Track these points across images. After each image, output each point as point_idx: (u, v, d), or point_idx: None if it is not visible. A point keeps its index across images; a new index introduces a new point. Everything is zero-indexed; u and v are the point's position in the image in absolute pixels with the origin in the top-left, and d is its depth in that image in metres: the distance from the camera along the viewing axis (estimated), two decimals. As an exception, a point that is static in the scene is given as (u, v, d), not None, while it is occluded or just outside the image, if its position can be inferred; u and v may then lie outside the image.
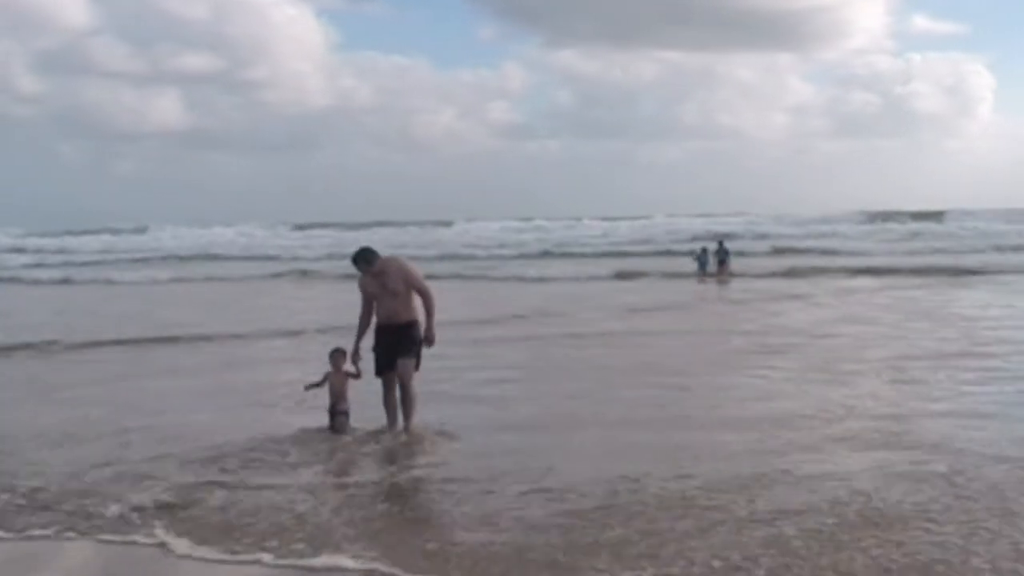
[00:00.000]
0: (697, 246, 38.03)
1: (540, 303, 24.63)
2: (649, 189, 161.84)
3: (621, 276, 34.90)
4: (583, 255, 48.84)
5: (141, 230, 78.33)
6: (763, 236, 54.74)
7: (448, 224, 75.86)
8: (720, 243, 35.97)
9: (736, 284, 30.53)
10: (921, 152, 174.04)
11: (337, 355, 10.20)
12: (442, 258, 46.62)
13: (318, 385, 10.29)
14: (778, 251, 45.29)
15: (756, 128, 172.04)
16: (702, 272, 34.46)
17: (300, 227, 79.09)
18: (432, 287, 10.10)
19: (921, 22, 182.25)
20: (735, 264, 35.39)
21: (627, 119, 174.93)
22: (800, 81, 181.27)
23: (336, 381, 10.17)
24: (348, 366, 10.12)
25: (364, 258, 9.97)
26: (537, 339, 17.58)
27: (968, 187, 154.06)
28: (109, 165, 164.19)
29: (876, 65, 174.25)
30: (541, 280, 34.18)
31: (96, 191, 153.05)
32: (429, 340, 9.99)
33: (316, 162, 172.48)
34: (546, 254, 50.41)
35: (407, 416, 10.05)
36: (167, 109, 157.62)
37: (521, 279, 35.00)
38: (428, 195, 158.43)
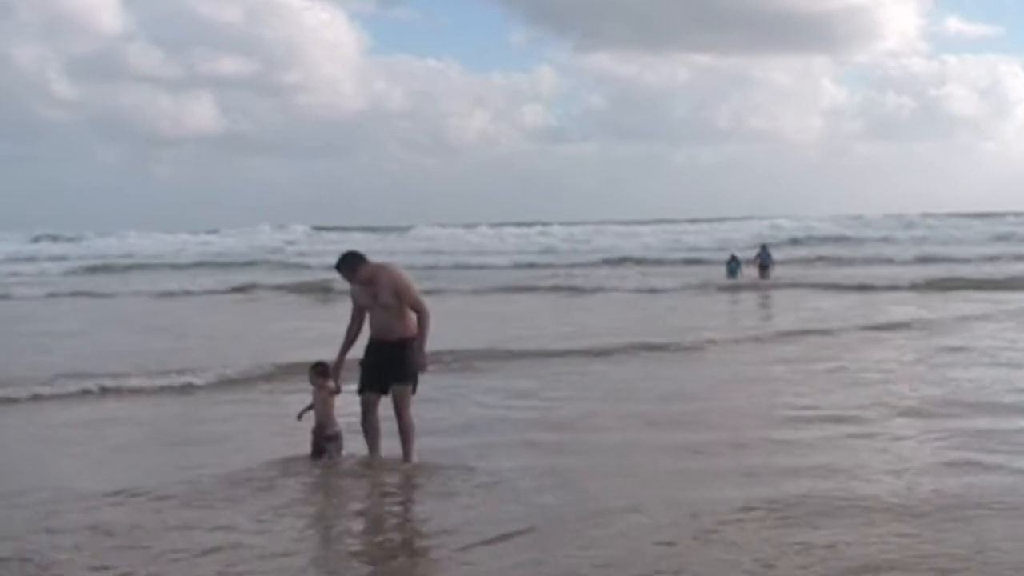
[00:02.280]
0: (726, 253, 37.64)
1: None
2: (685, 192, 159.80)
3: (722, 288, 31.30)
4: (662, 261, 46.71)
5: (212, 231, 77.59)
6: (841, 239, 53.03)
7: (485, 226, 74.58)
8: (763, 247, 35.29)
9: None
10: (957, 154, 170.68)
11: (318, 371, 9.03)
12: (518, 266, 45.09)
13: (308, 409, 9.16)
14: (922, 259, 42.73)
15: (790, 131, 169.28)
16: (732, 277, 33.66)
17: (336, 229, 78.35)
18: (427, 303, 8.88)
19: (955, 24, 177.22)
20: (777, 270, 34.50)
21: (661, 122, 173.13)
22: (833, 84, 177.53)
23: (318, 400, 9.03)
24: (329, 384, 8.99)
25: (347, 265, 8.80)
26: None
27: (1007, 189, 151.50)
28: (146, 169, 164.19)
29: (910, 67, 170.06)
30: (651, 292, 30.38)
31: (134, 195, 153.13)
32: (420, 366, 8.81)
33: (350, 165, 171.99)
34: (622, 260, 48.07)
35: (405, 448, 8.89)
36: (202, 113, 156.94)
37: (618, 290, 30.78)
38: (462, 198, 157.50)
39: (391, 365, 8.70)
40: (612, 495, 7.73)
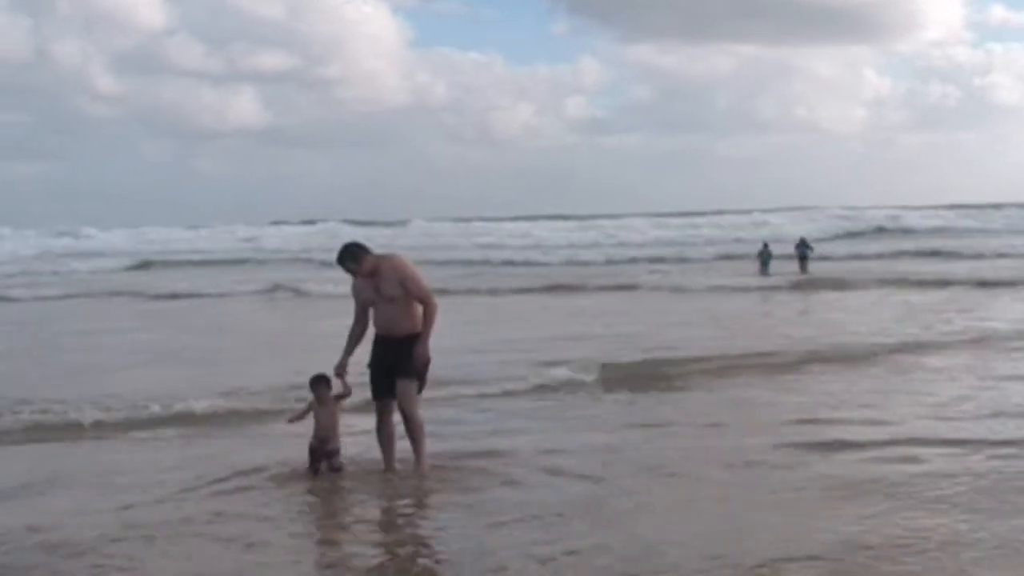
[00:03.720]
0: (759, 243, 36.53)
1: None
2: (728, 183, 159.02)
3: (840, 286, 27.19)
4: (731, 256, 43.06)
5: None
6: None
7: (530, 220, 73.86)
8: (802, 239, 34.87)
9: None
10: (1002, 144, 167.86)
11: (321, 384, 8.10)
12: (572, 263, 41.43)
13: (300, 417, 8.24)
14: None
15: (834, 122, 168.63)
16: (764, 271, 32.77)
17: (377, 224, 78.00)
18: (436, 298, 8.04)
19: (1000, 12, 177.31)
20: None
21: (705, 113, 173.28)
22: (877, 74, 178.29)
23: (323, 415, 8.08)
24: (336, 387, 8.07)
25: (350, 256, 8.01)
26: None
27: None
28: (190, 163, 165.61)
29: (954, 57, 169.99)
30: (759, 290, 27.32)
31: (179, 189, 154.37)
32: (418, 356, 7.88)
33: (394, 159, 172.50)
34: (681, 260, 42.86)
35: (416, 451, 8.07)
36: (244, 107, 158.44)
37: (722, 289, 27.33)
38: (509, 191, 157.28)
39: (398, 359, 7.89)
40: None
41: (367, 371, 8.11)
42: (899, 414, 9.80)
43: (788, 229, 52.65)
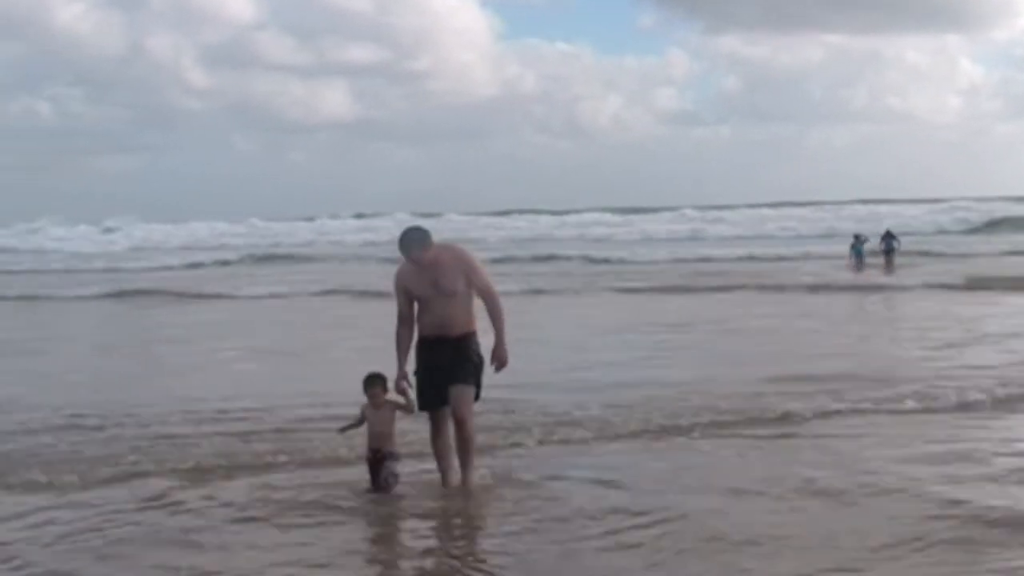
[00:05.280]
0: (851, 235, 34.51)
1: None
2: (820, 174, 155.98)
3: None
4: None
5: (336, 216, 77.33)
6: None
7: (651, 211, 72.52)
8: (887, 232, 33.38)
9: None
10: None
11: (375, 383, 7.28)
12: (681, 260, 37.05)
13: (354, 426, 7.46)
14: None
15: (927, 111, 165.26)
16: (858, 262, 31.43)
17: (472, 215, 77.63)
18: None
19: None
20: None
21: (794, 104, 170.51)
22: (971, 62, 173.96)
23: (377, 419, 7.28)
24: (393, 395, 7.25)
25: (415, 241, 7.11)
26: None
27: None
28: (281, 156, 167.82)
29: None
30: (902, 290, 23.54)
31: (270, 181, 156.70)
32: (499, 360, 7.15)
33: (485, 151, 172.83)
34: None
35: (464, 465, 7.30)
36: (334, 100, 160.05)
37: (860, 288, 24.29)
38: (598, 182, 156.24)
39: (454, 363, 7.11)
40: None
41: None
42: None
43: (893, 221, 49.94)
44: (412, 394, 7.18)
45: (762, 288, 24.05)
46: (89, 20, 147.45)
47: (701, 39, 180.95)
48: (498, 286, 7.30)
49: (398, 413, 7.26)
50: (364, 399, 7.30)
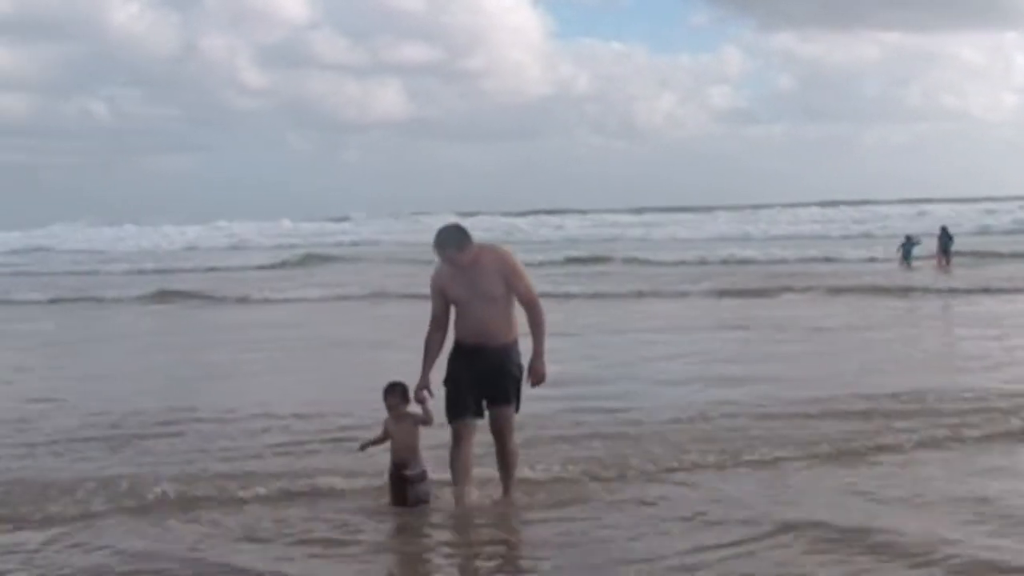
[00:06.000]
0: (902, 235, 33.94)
1: None
2: (876, 172, 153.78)
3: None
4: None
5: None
6: None
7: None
8: (943, 229, 32.32)
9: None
10: None
11: (395, 393, 6.95)
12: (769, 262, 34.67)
13: (377, 442, 7.14)
14: None
15: (982, 109, 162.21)
16: (906, 263, 30.94)
17: (527, 214, 77.28)
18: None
19: None
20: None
21: (849, 102, 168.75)
22: None
23: (399, 432, 6.97)
24: (414, 406, 6.92)
25: (452, 241, 6.71)
26: None
27: None
28: (336, 154, 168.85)
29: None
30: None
31: (324, 180, 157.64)
32: (536, 374, 6.78)
33: (539, 150, 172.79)
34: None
35: (508, 481, 7.01)
36: (388, 99, 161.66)
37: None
38: (653, 181, 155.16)
39: (491, 378, 6.75)
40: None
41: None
42: None
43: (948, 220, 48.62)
44: (431, 404, 6.83)
45: (828, 290, 23.20)
46: (144, 21, 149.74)
47: (755, 36, 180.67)
48: (538, 288, 6.93)
49: (421, 428, 6.91)
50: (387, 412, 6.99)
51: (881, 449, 8.19)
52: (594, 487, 7.32)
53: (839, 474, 7.56)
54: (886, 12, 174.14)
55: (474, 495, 6.88)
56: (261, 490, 7.33)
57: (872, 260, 33.81)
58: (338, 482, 7.45)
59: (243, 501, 7.17)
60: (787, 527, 6.25)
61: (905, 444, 8.29)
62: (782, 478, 7.50)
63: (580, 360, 12.78)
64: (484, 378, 6.73)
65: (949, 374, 11.64)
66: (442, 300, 6.84)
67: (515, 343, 6.81)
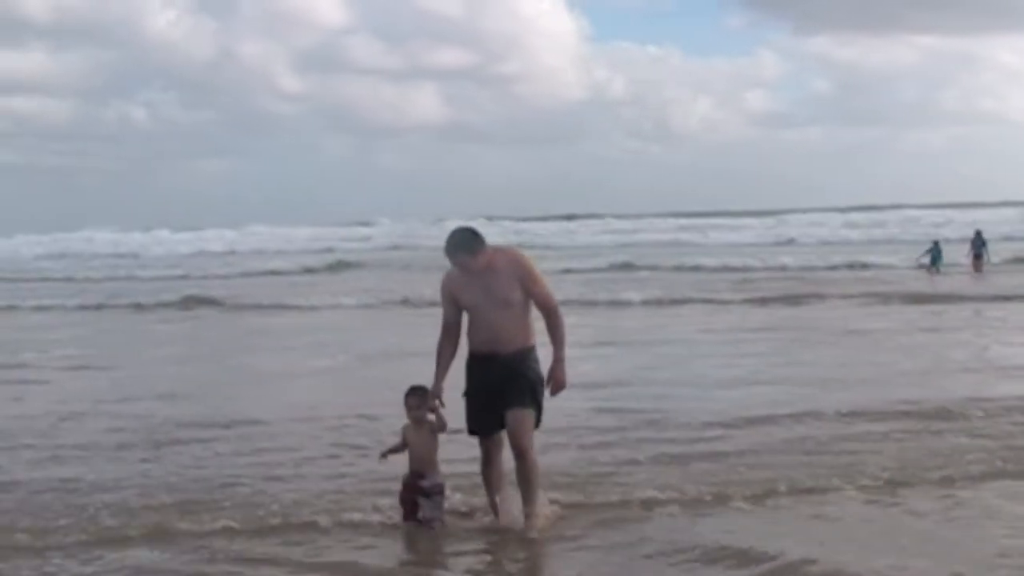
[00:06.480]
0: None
1: None
2: (913, 176, 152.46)
3: None
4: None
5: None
6: None
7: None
8: (977, 233, 31.89)
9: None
10: None
11: (417, 395, 6.57)
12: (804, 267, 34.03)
13: (397, 450, 6.76)
14: None
15: (1022, 112, 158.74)
16: (934, 267, 30.69)
17: (567, 218, 77.04)
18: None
19: None
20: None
21: (887, 106, 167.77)
22: None
23: (418, 439, 6.60)
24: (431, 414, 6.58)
25: (464, 245, 6.38)
26: None
27: None
28: (372, 159, 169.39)
29: None
30: None
31: (361, 184, 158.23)
32: (556, 382, 6.41)
33: (575, 154, 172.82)
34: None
35: (527, 500, 6.48)
36: (424, 104, 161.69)
37: None
38: (689, 185, 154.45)
39: (508, 382, 6.37)
40: None
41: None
42: None
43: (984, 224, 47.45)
44: (443, 412, 6.50)
45: (873, 297, 22.80)
46: (182, 26, 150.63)
47: (790, 40, 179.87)
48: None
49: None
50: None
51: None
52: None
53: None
54: (922, 15, 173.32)
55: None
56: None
57: (904, 266, 33.07)
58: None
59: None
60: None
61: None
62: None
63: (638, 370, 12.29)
64: (499, 386, 6.36)
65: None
66: (454, 306, 6.54)
67: (532, 349, 6.48)
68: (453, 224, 6.61)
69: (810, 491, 7.23)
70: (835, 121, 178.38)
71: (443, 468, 6.64)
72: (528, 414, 6.37)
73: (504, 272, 6.34)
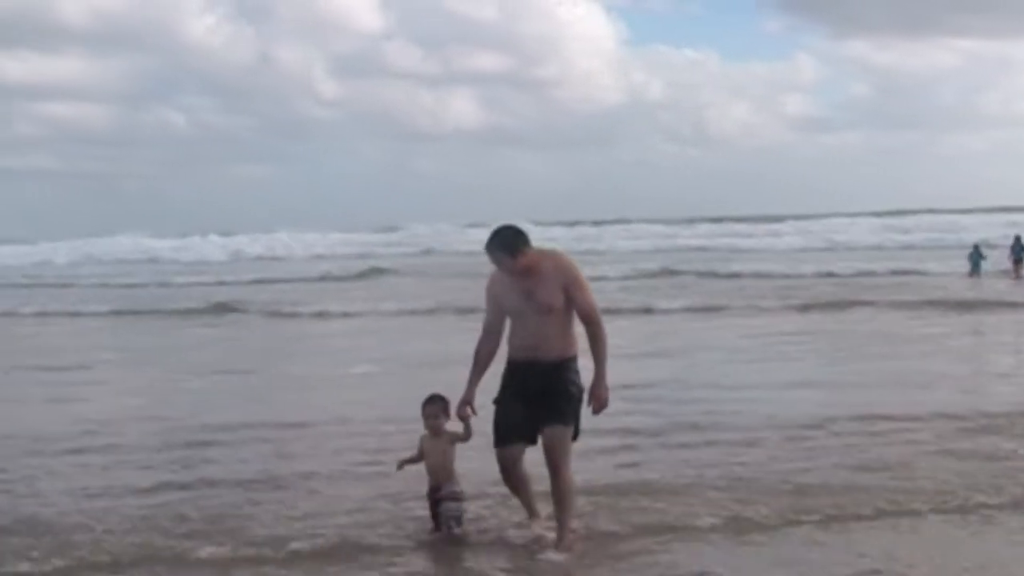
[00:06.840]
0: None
1: None
2: (954, 180, 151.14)
3: None
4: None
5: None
6: None
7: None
8: (1017, 238, 31.36)
9: None
10: None
11: (435, 407, 6.35)
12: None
13: (414, 460, 6.55)
14: None
15: None
16: (976, 272, 30.29)
17: (603, 223, 76.53)
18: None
19: None
20: None
21: (926, 110, 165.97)
22: None
23: (433, 450, 6.38)
24: (455, 422, 6.33)
25: (505, 243, 6.07)
26: None
27: None
28: (410, 164, 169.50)
29: None
30: None
31: (399, 189, 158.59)
32: (598, 399, 6.07)
33: (612, 158, 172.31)
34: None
35: (561, 523, 6.17)
36: (461, 108, 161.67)
37: None
38: (728, 189, 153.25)
39: (545, 397, 6.04)
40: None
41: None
42: None
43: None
44: (472, 422, 6.24)
45: (916, 303, 22.35)
46: (220, 32, 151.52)
47: (828, 44, 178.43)
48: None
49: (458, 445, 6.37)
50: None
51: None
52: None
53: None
54: (961, 18, 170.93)
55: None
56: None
57: (948, 272, 32.44)
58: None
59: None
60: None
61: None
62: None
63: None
64: (536, 398, 6.05)
65: None
66: (495, 308, 6.23)
67: (573, 360, 6.15)
68: (486, 229, 6.35)
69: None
70: (873, 125, 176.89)
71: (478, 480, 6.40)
72: (566, 432, 6.07)
73: (549, 277, 6.05)
